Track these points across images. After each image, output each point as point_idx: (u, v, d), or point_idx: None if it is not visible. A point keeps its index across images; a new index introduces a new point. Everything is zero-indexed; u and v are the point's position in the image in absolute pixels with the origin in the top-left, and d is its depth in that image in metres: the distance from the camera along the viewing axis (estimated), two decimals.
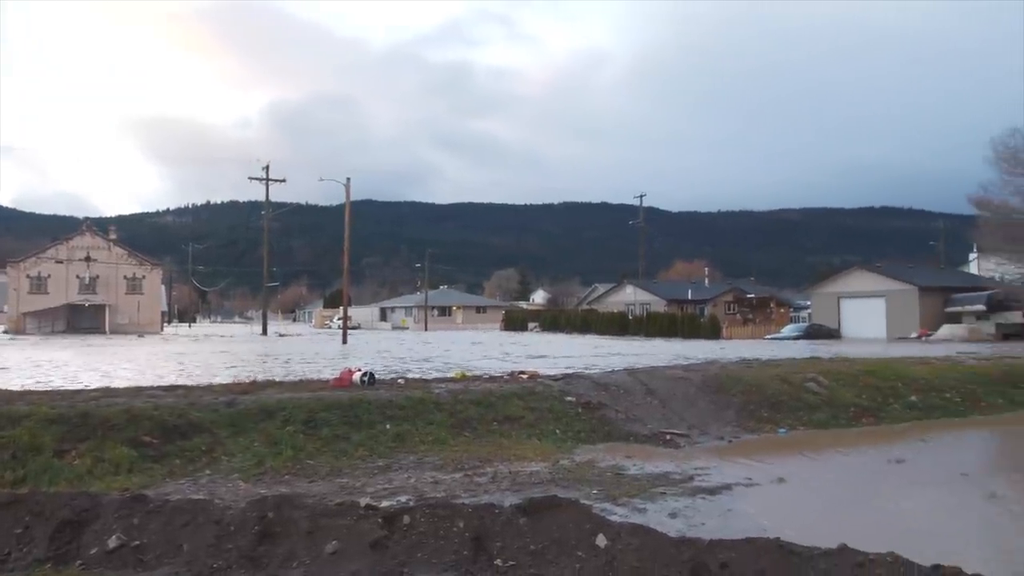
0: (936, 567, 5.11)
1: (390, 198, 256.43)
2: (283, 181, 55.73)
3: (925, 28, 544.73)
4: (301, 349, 31.52)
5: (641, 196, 71.97)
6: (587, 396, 14.10)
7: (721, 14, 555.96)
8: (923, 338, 40.58)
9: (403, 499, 8.33)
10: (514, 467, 10.23)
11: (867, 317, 46.40)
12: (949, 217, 77.61)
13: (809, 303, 55.24)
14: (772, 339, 43.48)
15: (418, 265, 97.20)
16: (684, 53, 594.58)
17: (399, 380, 15.35)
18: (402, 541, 6.65)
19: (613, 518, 7.23)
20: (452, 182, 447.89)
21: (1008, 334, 40.15)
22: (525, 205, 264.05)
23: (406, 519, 6.87)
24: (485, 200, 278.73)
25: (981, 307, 43.30)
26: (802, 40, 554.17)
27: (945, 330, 41.71)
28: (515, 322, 69.36)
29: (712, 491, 9.24)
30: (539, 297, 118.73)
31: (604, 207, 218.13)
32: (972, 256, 55.35)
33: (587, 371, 17.13)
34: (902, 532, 7.61)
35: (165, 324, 67.71)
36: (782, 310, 63.74)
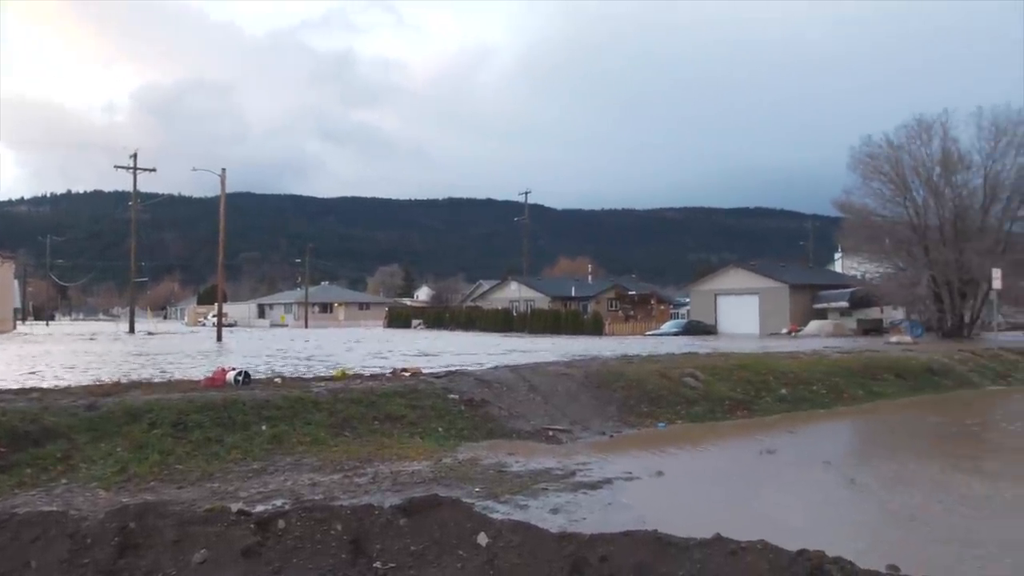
0: (801, 551, 5.31)
1: (270, 190, 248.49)
2: (153, 170, 52.86)
3: (804, 35, 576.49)
4: (172, 348, 30.00)
5: (526, 193, 72.87)
6: (470, 393, 14.03)
7: (609, 12, 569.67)
8: (793, 333, 42.72)
9: (279, 503, 7.99)
10: (396, 467, 10.03)
11: (742, 313, 48.41)
12: (818, 218, 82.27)
13: (688, 300, 57.23)
14: (653, 335, 44.85)
15: (298, 260, 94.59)
16: (572, 51, 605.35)
17: (276, 379, 14.81)
18: (276, 547, 6.36)
19: (495, 516, 7.18)
20: (335, 175, 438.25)
21: (868, 329, 42.79)
22: (410, 200, 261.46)
23: (281, 524, 6.58)
24: (369, 194, 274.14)
25: (844, 304, 45.93)
26: (688, 41, 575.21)
27: (813, 326, 43.92)
28: (399, 319, 68.66)
29: (593, 486, 9.35)
30: (423, 294, 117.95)
31: (490, 203, 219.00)
32: (837, 256, 58.74)
33: (470, 368, 17.07)
34: (772, 520, 7.92)
35: (18, 322, 62.92)
36: (663, 307, 65.86)
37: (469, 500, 7.86)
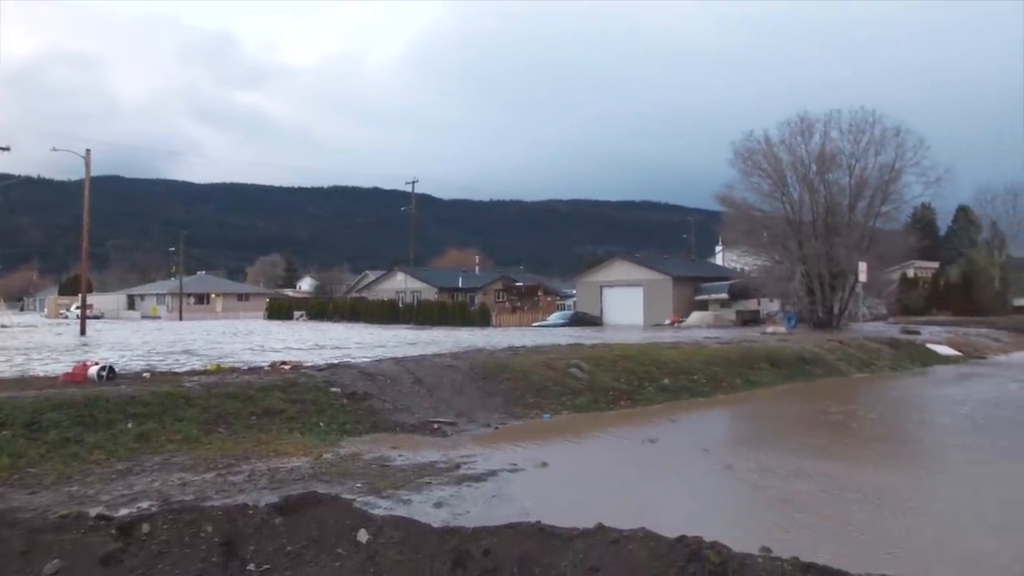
0: (680, 538, 5.42)
1: (141, 174, 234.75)
2: (7, 149, 48.89)
3: (689, 33, 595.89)
4: (29, 342, 27.95)
5: (413, 182, 72.15)
6: (353, 386, 13.70)
7: (501, 2, 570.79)
8: (675, 324, 43.89)
9: (144, 505, 7.51)
10: (273, 464, 9.65)
11: (627, 305, 49.16)
12: (701, 212, 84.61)
13: (575, 291, 58.02)
14: (539, 326, 45.15)
15: (172, 249, 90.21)
16: (463, 41, 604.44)
17: (144, 374, 14.01)
18: (140, 553, 5.97)
19: (377, 512, 7.01)
20: (213, 160, 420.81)
21: (746, 320, 44.40)
22: (294, 188, 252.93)
23: (146, 528, 6.19)
24: (250, 180, 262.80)
25: (724, 296, 47.49)
26: (579, 35, 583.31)
27: (694, 317, 45.20)
28: (280, 310, 66.52)
29: (478, 478, 9.28)
30: (307, 284, 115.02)
31: (376, 192, 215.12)
32: (718, 249, 60.89)
33: (354, 360, 16.69)
34: (653, 507, 8.08)
35: None
36: (550, 298, 66.58)
37: (350, 496, 7.64)
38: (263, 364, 15.99)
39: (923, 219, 68.68)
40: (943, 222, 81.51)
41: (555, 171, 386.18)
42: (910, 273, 62.85)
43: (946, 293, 60.60)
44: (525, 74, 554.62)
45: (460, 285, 66.50)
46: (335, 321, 55.12)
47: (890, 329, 36.00)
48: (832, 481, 9.38)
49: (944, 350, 29.59)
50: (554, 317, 50.54)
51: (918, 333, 33.42)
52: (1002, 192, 69.48)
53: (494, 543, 5.89)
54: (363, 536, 6.19)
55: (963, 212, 78.52)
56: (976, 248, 73.40)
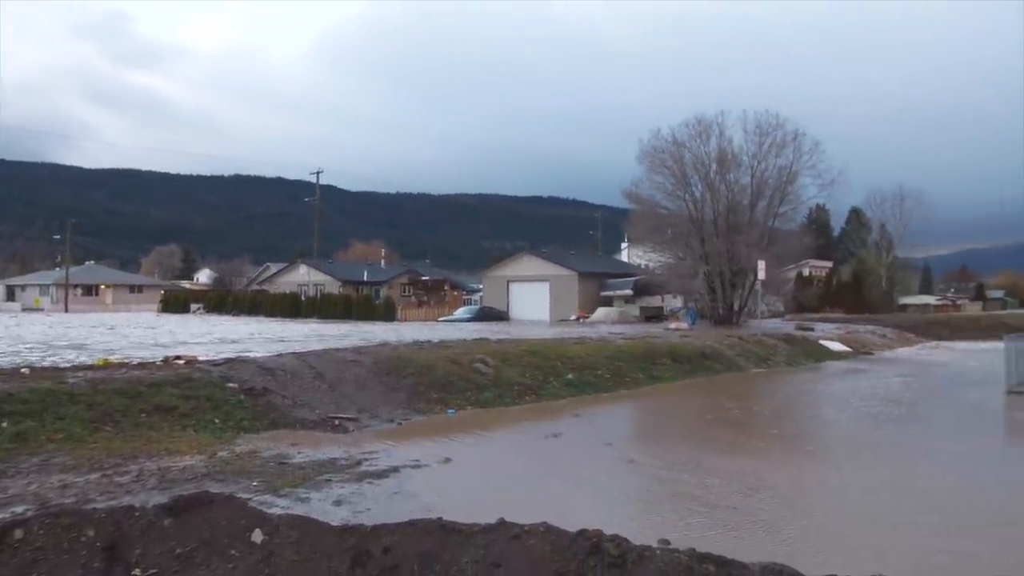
0: (581, 531, 5.45)
1: (25, 157, 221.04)
2: None
3: (599, 32, 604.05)
4: None
5: (318, 172, 70.26)
6: (251, 382, 13.25)
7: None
8: (581, 320, 44.33)
9: (19, 510, 7.03)
10: (164, 463, 9.22)
11: (533, 300, 49.35)
12: (608, 209, 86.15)
13: (481, 286, 58.00)
14: (446, 321, 44.90)
15: (58, 237, 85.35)
16: (373, 31, 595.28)
17: (23, 369, 13.14)
18: (12, 561, 5.59)
19: (274, 511, 6.78)
20: (106, 143, 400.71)
21: (650, 316, 45.25)
22: (191, 175, 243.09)
23: (19, 533, 5.80)
24: (145, 167, 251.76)
25: (629, 292, 48.19)
26: (490, 30, 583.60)
27: (600, 313, 45.58)
28: (176, 303, 63.91)
29: (380, 475, 9.13)
30: (205, 276, 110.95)
31: (280, 182, 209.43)
32: (624, 245, 61.84)
33: (252, 355, 16.16)
34: (556, 502, 8.12)
35: None
36: (456, 293, 66.42)
37: (245, 495, 7.36)
38: (155, 359, 15.28)
39: (818, 220, 72.12)
40: (837, 223, 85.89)
41: (463, 165, 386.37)
42: (805, 272, 65.85)
43: (838, 291, 63.80)
44: (435, 68, 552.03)
45: (365, 279, 65.54)
46: (235, 315, 53.36)
47: (786, 326, 37.51)
48: (731, 475, 9.67)
49: (836, 346, 31.11)
50: (460, 312, 50.38)
51: (812, 330, 34.99)
52: (890, 196, 73.69)
53: (394, 541, 5.79)
54: (258, 536, 5.98)
55: (855, 214, 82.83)
56: (866, 248, 77.59)
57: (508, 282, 52.05)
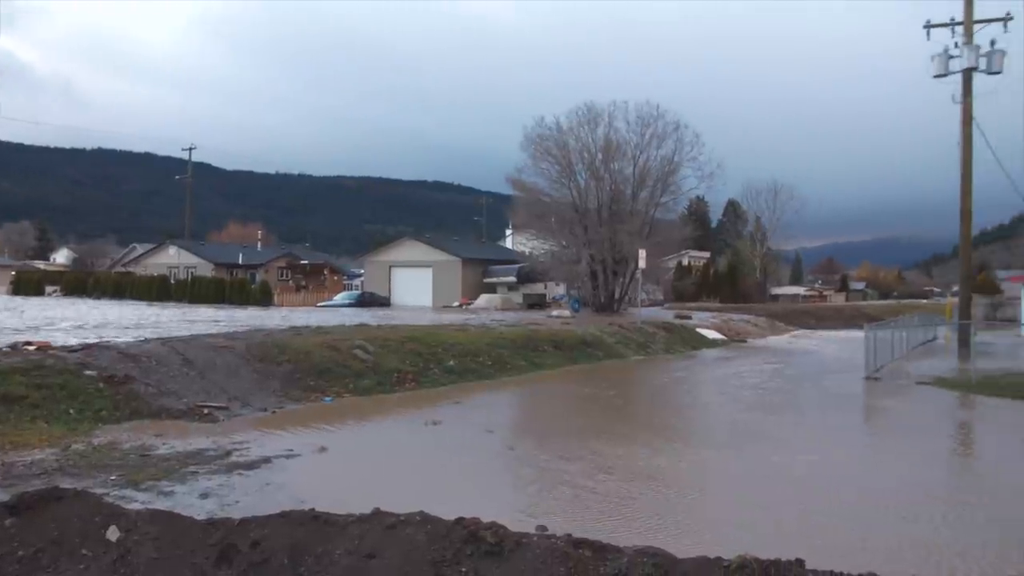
0: (459, 520, 5.39)
1: None
2: None
3: (488, 17, 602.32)
4: None
5: (191, 148, 67.00)
6: (112, 369, 12.44)
7: None
8: (464, 307, 44.24)
9: None
10: (9, 458, 8.51)
11: (416, 286, 48.98)
12: (493, 195, 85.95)
13: (363, 271, 57.03)
14: (325, 306, 43.89)
15: None
16: (255, 8, 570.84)
17: None
18: None
19: (133, 506, 6.37)
20: None
21: (533, 303, 45.78)
22: (48, 147, 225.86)
23: None
24: None
25: (513, 279, 48.50)
26: (377, 12, 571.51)
27: (483, 299, 45.69)
28: (29, 285, 59.42)
29: (250, 466, 8.76)
30: (63, 257, 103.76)
31: (148, 158, 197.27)
32: (508, 232, 62.02)
33: (114, 341, 15.19)
34: (435, 490, 8.03)
35: None
36: (336, 278, 65.06)
37: (101, 490, 6.91)
38: (1, 345, 14.11)
39: (698, 211, 75.08)
40: (715, 215, 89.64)
41: (346, 146, 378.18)
42: (685, 261, 68.45)
43: (715, 281, 66.73)
44: (321, 48, 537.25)
45: (240, 262, 63.16)
46: (96, 298, 50.18)
47: (666, 314, 38.79)
48: (611, 461, 9.83)
49: (712, 334, 32.44)
50: (340, 297, 49.41)
51: (690, 318, 36.35)
52: (765, 189, 77.62)
53: (264, 534, 5.56)
54: (113, 534, 5.58)
55: (732, 206, 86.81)
56: (742, 240, 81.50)
57: (391, 267, 51.39)
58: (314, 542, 5.46)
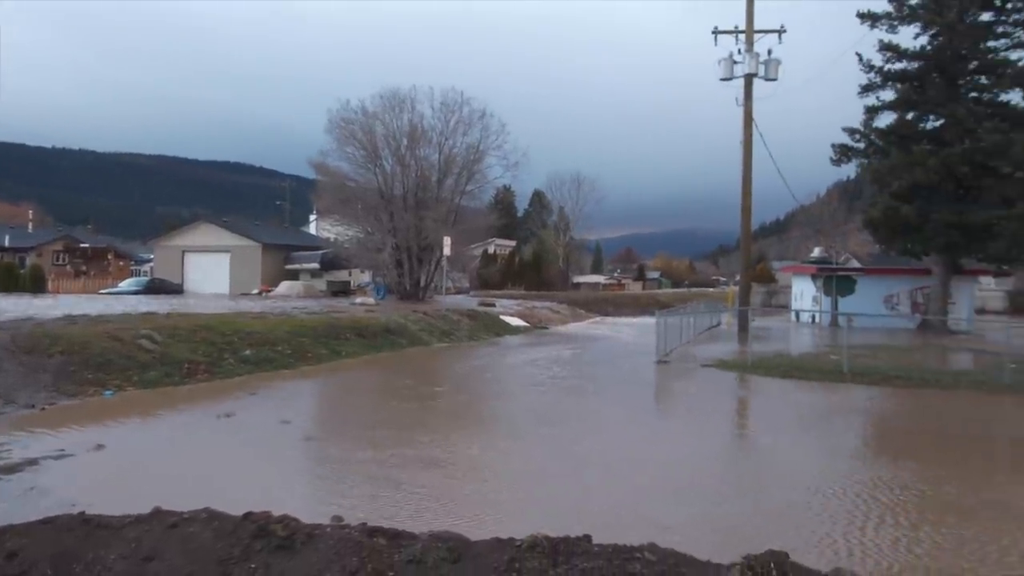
0: (248, 514, 5.20)
1: None
2: None
3: None
4: None
5: None
6: None
7: None
8: (264, 294, 42.41)
9: None
10: None
11: (212, 272, 46.51)
12: (296, 179, 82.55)
13: (153, 256, 53.25)
14: (109, 293, 40.56)
15: None
16: None
17: None
18: None
19: None
20: None
21: (337, 291, 44.70)
22: None
23: None
24: None
25: (316, 265, 47.14)
26: None
27: (284, 287, 44.13)
28: None
29: (11, 469, 7.91)
30: None
31: None
32: (312, 217, 60.01)
33: None
34: (225, 485, 7.65)
35: None
36: (123, 263, 60.28)
37: None
38: None
39: (504, 200, 76.70)
40: (521, 204, 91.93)
41: (140, 122, 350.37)
42: (491, 250, 69.76)
43: (520, 269, 68.52)
44: (108, 12, 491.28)
45: (7, 244, 56.80)
46: None
47: (471, 302, 39.27)
48: (411, 449, 9.79)
49: (515, 321, 33.27)
50: (127, 284, 45.82)
51: (494, 306, 37.05)
52: (568, 180, 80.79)
53: (23, 543, 5.07)
54: None
55: (537, 196, 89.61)
56: (546, 229, 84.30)
57: (184, 252, 48.30)
58: (84, 548, 5.06)
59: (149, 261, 55.30)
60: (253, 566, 4.84)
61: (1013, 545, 6.34)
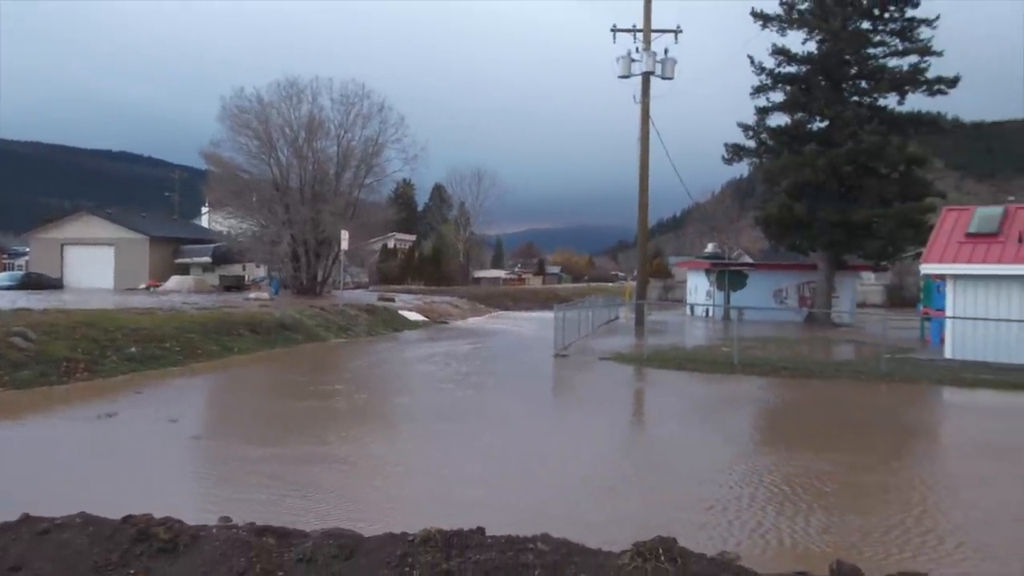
0: (127, 518, 4.97)
1: None
2: None
3: None
4: None
5: None
6: None
7: None
8: (152, 289, 40.80)
9: None
10: None
11: (95, 266, 44.53)
12: (189, 169, 79.04)
13: (28, 250, 50.13)
14: None
15: None
16: None
17: None
18: None
19: None
20: None
21: (230, 285, 43.46)
22: None
23: None
24: None
25: (208, 259, 45.80)
26: None
27: (174, 281, 42.59)
28: None
29: None
30: None
31: None
32: (204, 210, 57.76)
33: None
34: (104, 489, 7.29)
35: None
36: None
37: None
38: None
39: (404, 194, 76.07)
40: (421, 198, 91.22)
41: (14, 106, 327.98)
42: (391, 244, 69.03)
43: (420, 264, 68.04)
44: None
45: None
46: None
47: (370, 297, 38.74)
48: (303, 447, 9.58)
49: (414, 316, 33.02)
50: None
51: (393, 301, 36.67)
52: (469, 175, 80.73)
53: None
54: None
55: (438, 191, 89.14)
56: (447, 224, 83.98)
57: (63, 245, 45.79)
58: None
59: (24, 255, 52.02)
60: (133, 572, 4.61)
61: (896, 525, 6.73)
